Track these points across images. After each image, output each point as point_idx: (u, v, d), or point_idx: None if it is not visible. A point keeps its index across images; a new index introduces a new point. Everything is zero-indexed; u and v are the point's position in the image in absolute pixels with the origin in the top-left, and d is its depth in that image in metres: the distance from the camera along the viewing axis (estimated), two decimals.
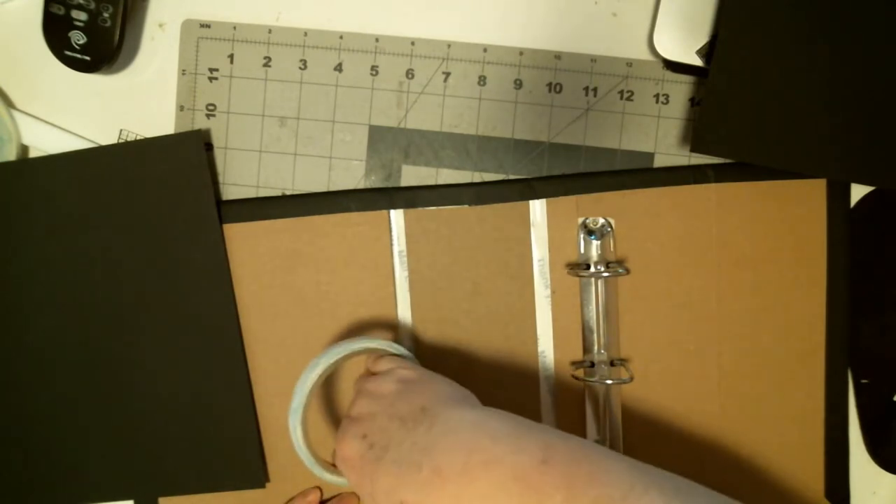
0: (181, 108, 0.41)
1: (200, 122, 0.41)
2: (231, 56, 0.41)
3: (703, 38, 0.39)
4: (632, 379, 0.40)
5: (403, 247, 0.40)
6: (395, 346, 0.37)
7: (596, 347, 0.41)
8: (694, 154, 0.41)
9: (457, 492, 0.28)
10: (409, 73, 0.41)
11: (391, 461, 0.30)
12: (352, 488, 0.32)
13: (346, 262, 0.40)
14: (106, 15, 0.38)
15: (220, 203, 0.40)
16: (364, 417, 0.33)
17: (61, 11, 0.37)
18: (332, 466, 0.37)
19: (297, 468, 0.41)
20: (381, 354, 0.37)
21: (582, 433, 0.41)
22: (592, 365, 0.41)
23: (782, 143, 0.38)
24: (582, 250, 0.40)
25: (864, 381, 0.41)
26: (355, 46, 0.41)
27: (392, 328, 0.40)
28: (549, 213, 0.40)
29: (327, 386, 0.41)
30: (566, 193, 0.40)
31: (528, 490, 0.27)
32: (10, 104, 0.40)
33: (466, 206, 0.40)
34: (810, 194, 0.40)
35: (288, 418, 0.35)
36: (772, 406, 0.41)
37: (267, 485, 0.41)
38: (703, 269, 0.40)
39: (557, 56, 0.41)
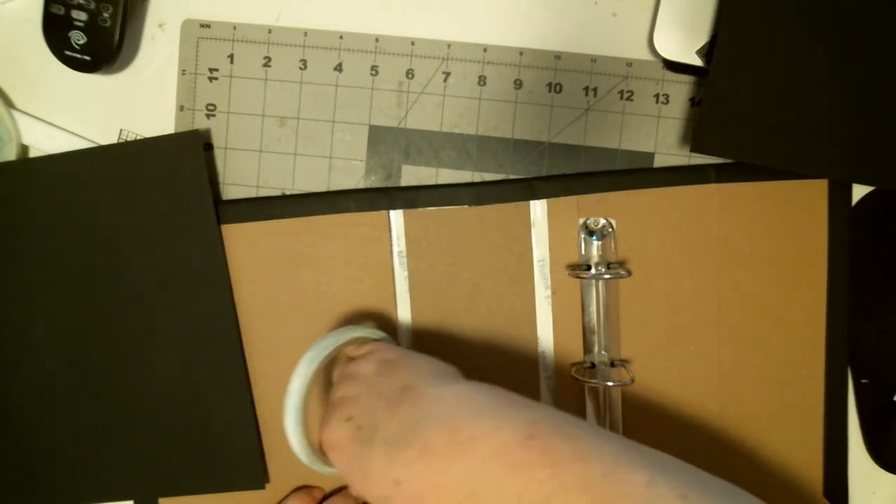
0: (181, 108, 0.41)
1: (200, 122, 0.41)
2: (231, 56, 0.41)
3: (703, 38, 0.39)
4: (633, 381, 0.40)
5: (403, 247, 0.40)
6: (376, 331, 0.37)
7: (596, 348, 0.41)
8: (694, 154, 0.41)
9: (444, 468, 0.28)
10: (409, 73, 0.41)
11: (381, 441, 0.30)
12: (341, 474, 0.32)
13: (346, 262, 0.40)
14: (106, 15, 0.38)
15: (219, 203, 0.40)
16: (347, 401, 0.32)
17: (61, 11, 0.37)
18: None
19: (297, 469, 0.41)
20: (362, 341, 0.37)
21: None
22: (593, 366, 0.40)
23: (782, 143, 0.38)
24: (583, 251, 0.40)
25: (864, 381, 0.41)
26: (355, 46, 0.41)
27: (392, 329, 0.40)
28: (550, 213, 0.40)
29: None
30: (566, 193, 0.40)
31: (513, 466, 0.27)
32: (10, 104, 0.40)
33: (466, 206, 0.40)
34: (812, 195, 0.40)
35: (285, 420, 0.34)
36: (772, 406, 0.41)
37: (267, 485, 0.41)
38: (704, 270, 0.40)
39: (557, 56, 0.41)
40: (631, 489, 0.25)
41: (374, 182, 0.41)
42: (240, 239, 0.40)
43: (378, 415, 0.31)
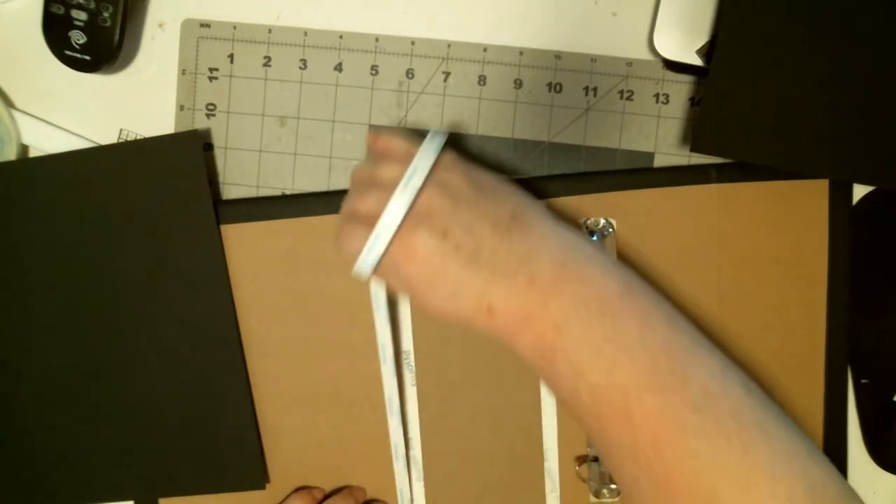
0: (181, 107, 0.41)
1: (200, 122, 0.41)
2: (231, 56, 0.41)
3: (703, 38, 0.39)
4: None
5: None
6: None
7: None
8: (694, 154, 0.41)
9: (543, 300, 0.29)
10: (409, 73, 0.41)
11: (485, 265, 0.30)
12: (409, 285, 0.31)
13: (346, 262, 0.40)
14: (106, 14, 0.38)
15: (218, 203, 0.40)
16: (439, 214, 0.31)
17: (61, 11, 0.37)
18: None
19: (298, 469, 0.41)
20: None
21: (582, 435, 0.41)
22: None
23: (782, 143, 0.38)
24: None
25: (864, 381, 0.41)
26: (355, 46, 0.41)
27: (392, 328, 0.40)
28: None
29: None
30: (567, 193, 0.40)
31: (607, 313, 0.29)
32: (10, 104, 0.40)
33: None
34: (812, 194, 0.40)
35: (386, 216, 0.30)
36: None
37: (267, 485, 0.41)
38: (704, 270, 0.40)
39: (557, 56, 0.41)
40: (705, 371, 0.29)
41: None
42: (239, 239, 0.40)
43: (482, 238, 0.30)
